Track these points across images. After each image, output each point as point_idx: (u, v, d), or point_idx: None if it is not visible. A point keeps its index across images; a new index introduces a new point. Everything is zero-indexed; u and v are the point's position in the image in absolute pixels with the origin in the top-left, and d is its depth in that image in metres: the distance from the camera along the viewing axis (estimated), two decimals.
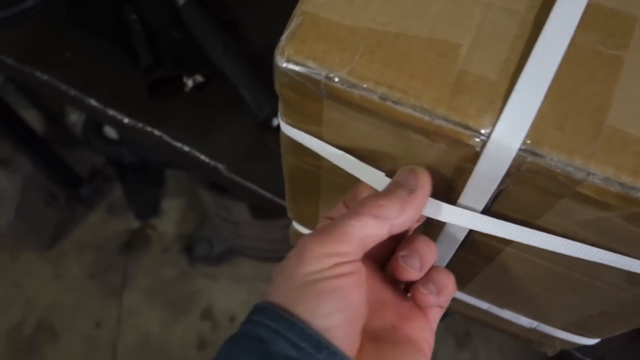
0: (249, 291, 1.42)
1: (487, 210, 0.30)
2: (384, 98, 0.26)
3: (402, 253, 0.31)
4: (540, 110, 0.25)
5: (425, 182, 0.29)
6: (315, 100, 0.29)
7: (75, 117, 1.46)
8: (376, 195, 0.29)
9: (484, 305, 0.45)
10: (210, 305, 1.40)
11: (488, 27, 0.27)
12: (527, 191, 0.27)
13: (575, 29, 0.27)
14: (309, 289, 0.26)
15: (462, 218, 0.30)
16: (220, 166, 0.62)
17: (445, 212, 0.30)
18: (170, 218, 1.51)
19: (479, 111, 0.26)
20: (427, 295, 0.31)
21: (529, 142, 0.25)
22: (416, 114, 0.26)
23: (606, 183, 0.25)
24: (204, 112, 0.67)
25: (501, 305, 0.44)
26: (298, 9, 0.28)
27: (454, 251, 0.36)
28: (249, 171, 0.63)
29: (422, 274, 0.31)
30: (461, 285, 0.43)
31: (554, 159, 0.25)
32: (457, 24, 0.28)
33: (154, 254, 1.47)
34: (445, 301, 0.32)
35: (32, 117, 1.35)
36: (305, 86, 0.28)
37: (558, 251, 0.29)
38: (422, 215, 0.30)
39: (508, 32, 0.27)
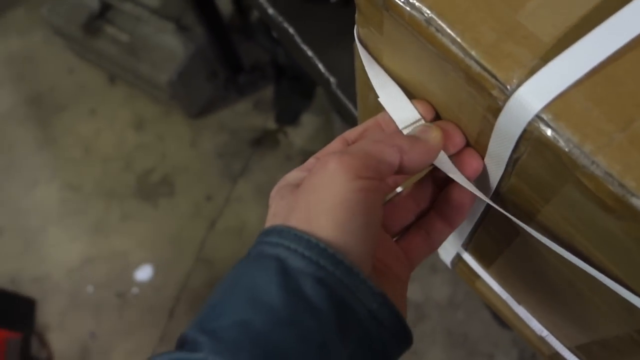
0: None
1: (508, 178, 0.30)
2: (428, 22, 0.26)
3: None
4: (576, 86, 0.24)
5: (439, 137, 0.30)
6: (378, 10, 0.29)
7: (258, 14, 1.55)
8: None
9: (504, 294, 0.44)
10: None
11: None
12: (538, 165, 0.26)
13: None
14: (337, 204, 0.26)
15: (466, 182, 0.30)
16: (332, 79, 0.65)
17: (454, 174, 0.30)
18: (304, 131, 1.58)
19: (512, 65, 0.25)
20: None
21: (548, 111, 0.24)
22: (452, 47, 0.26)
23: (607, 179, 0.23)
24: (338, 25, 0.69)
25: (518, 300, 0.42)
26: None
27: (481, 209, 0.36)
28: (354, 93, 0.64)
29: None
30: (486, 263, 0.42)
31: (565, 136, 0.24)
32: None
33: (277, 157, 1.56)
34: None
35: (225, 1, 1.47)
36: None
37: (549, 246, 0.28)
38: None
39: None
